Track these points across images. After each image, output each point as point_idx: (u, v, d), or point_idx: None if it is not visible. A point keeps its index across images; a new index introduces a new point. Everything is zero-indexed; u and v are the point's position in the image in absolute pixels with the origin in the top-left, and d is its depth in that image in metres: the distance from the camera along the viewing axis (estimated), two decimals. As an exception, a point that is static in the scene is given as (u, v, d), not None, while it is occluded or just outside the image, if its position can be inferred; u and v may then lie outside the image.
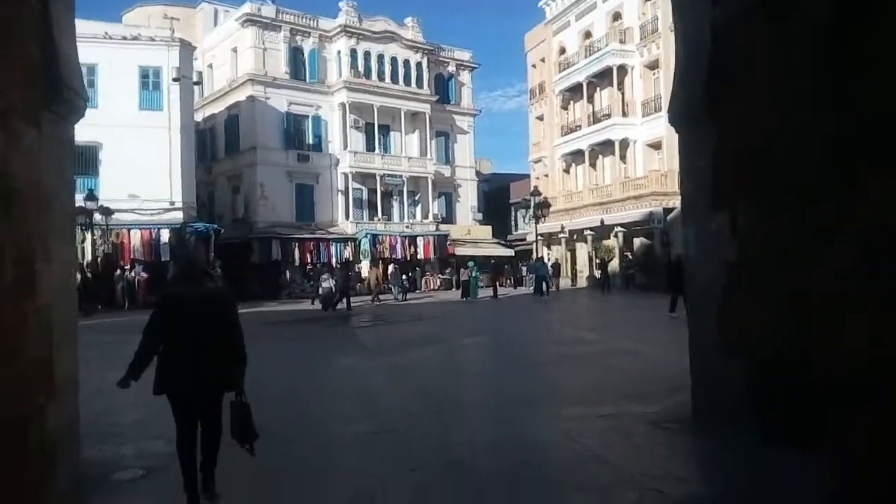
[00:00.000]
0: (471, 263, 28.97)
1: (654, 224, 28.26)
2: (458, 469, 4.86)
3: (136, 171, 25.88)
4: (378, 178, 36.30)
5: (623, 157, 32.39)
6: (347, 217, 35.79)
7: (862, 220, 3.66)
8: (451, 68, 41.89)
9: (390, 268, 31.00)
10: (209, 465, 4.18)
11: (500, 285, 30.95)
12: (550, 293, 27.03)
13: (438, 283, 37.01)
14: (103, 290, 24.55)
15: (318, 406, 7.36)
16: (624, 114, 32.19)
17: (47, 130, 4.26)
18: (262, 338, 14.35)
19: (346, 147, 35.80)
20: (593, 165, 34.80)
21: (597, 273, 31.57)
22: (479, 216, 42.38)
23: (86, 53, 26.74)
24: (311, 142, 35.93)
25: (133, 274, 25.98)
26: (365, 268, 33.23)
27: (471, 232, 40.40)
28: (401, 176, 37.24)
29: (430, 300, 28.10)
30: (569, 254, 36.88)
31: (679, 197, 24.66)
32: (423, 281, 36.48)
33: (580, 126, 35.15)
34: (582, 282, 34.95)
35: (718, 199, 5.48)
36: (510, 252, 41.01)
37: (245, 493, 4.51)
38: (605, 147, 33.11)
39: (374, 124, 36.54)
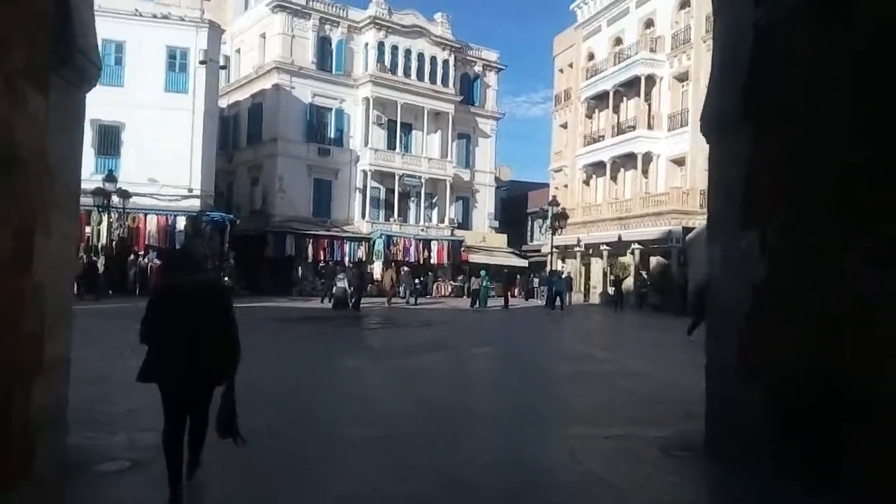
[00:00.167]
0: (483, 272, 28.76)
1: (672, 243, 27.83)
2: (456, 483, 4.63)
3: (156, 154, 25.92)
4: (396, 178, 36.17)
5: (645, 172, 31.98)
6: (363, 216, 35.68)
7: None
8: (478, 68, 41.61)
9: (402, 270, 30.83)
10: (194, 458, 4.15)
11: (512, 296, 30.67)
12: (564, 308, 26.66)
13: (450, 289, 36.78)
14: (116, 274, 24.58)
15: (321, 406, 7.16)
16: (649, 126, 31.76)
17: (56, 97, 4.10)
18: (271, 334, 14.27)
19: (367, 144, 35.71)
20: (614, 178, 34.42)
21: (610, 290, 31.11)
22: (496, 224, 42.07)
23: (115, 30, 26.81)
24: (332, 136, 35.86)
25: (146, 260, 25.98)
26: (377, 268, 33.09)
27: (486, 239, 40.13)
28: (419, 177, 37.08)
29: (441, 306, 27.88)
30: (583, 268, 36.47)
31: (700, 217, 24.20)
32: (435, 286, 36.27)
33: (604, 136, 34.75)
34: (595, 298, 34.52)
35: (749, 215, 5.19)
36: (524, 262, 40.66)
37: (234, 489, 4.39)
38: (628, 160, 32.71)
39: (396, 122, 36.42)
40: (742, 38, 5.38)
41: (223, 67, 32.98)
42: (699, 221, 27.40)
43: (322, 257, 33.27)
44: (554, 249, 32.12)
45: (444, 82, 38.17)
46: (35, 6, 3.77)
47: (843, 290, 3.96)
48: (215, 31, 29.02)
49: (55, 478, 4.31)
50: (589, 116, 36.88)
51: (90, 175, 25.15)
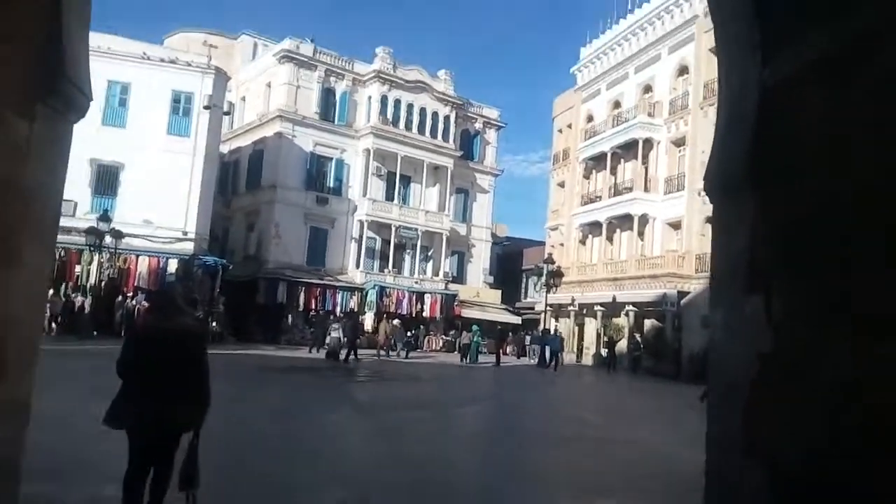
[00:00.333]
0: (475, 327, 28.36)
1: (667, 306, 27.64)
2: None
3: (154, 196, 25.81)
4: (393, 229, 36.16)
5: (641, 234, 32.06)
6: (358, 266, 35.48)
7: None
8: (478, 125, 42.22)
9: (394, 322, 30.41)
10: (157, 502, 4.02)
11: (504, 353, 30.22)
12: (558, 368, 26.19)
13: (441, 343, 36.25)
14: (103, 314, 24.12)
15: (287, 463, 6.76)
16: (646, 188, 32.01)
17: (41, 125, 3.92)
18: (253, 384, 13.84)
19: (365, 194, 35.86)
20: (610, 239, 34.48)
21: (604, 351, 30.75)
22: (490, 279, 41.90)
23: (121, 72, 27.21)
24: (331, 185, 36.04)
25: (134, 302, 25.57)
26: (369, 319, 32.68)
27: (479, 294, 39.87)
28: (416, 229, 37.08)
29: (431, 361, 27.40)
30: (576, 328, 36.13)
31: (695, 281, 24.08)
32: (426, 340, 35.77)
33: (600, 197, 35.00)
34: (587, 359, 34.08)
35: (754, 280, 4.94)
36: (517, 319, 40.28)
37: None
38: (624, 221, 32.83)
39: (395, 174, 36.66)
40: (747, 99, 5.25)
41: (227, 113, 33.34)
42: (694, 285, 27.32)
43: (313, 306, 32.87)
44: (548, 307, 31.84)
45: (445, 137, 38.64)
46: (22, 32, 3.64)
47: (857, 363, 3.70)
48: (221, 77, 29.43)
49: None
50: (586, 177, 37.23)
51: (84, 214, 25.10)
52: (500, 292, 41.21)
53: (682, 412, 12.48)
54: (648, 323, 30.40)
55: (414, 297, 35.92)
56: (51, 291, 23.47)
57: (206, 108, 27.81)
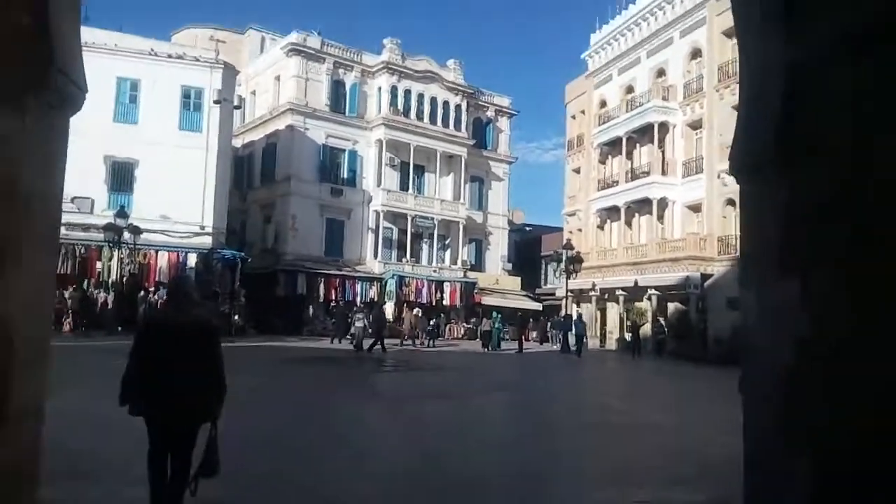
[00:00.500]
0: (495, 314, 28.16)
1: (690, 289, 27.24)
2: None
3: (169, 191, 25.93)
4: (409, 219, 36.02)
5: (660, 218, 31.59)
6: (376, 256, 35.44)
7: None
8: (490, 113, 41.86)
9: (414, 312, 30.33)
10: (176, 497, 4.05)
11: (526, 339, 30.04)
12: (582, 353, 25.90)
13: (462, 331, 36.15)
14: (125, 310, 24.30)
15: (311, 456, 6.65)
16: (663, 172, 31.50)
17: (32, 120, 3.79)
18: (276, 375, 13.81)
19: (379, 184, 35.73)
20: (629, 223, 34.02)
21: (627, 336, 30.42)
22: (509, 266, 41.66)
23: (130, 68, 27.34)
24: (345, 176, 35.96)
25: (156, 297, 25.74)
26: (389, 309, 32.64)
27: (499, 282, 39.67)
28: (432, 218, 36.91)
29: (454, 349, 27.30)
30: (598, 313, 35.80)
31: (717, 263, 23.65)
32: (448, 328, 35.68)
33: (617, 182, 34.49)
34: (611, 344, 33.77)
35: (789, 263, 4.67)
36: (538, 306, 40.06)
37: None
38: (642, 205, 32.36)
39: (409, 164, 36.49)
40: (772, 77, 4.96)
41: (237, 107, 33.34)
42: (718, 268, 26.88)
43: (333, 297, 32.93)
44: (569, 293, 31.54)
45: (457, 126, 38.35)
46: (8, 21, 3.48)
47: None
48: (230, 71, 29.42)
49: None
50: (602, 162, 36.75)
51: (102, 211, 25.29)
52: (519, 279, 40.99)
53: (712, 395, 12.25)
54: (672, 306, 30.01)
55: (433, 286, 35.83)
56: (69, 289, 23.75)
57: (216, 102, 27.83)
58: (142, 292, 25.58)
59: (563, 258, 30.72)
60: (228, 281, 27.80)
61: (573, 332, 26.91)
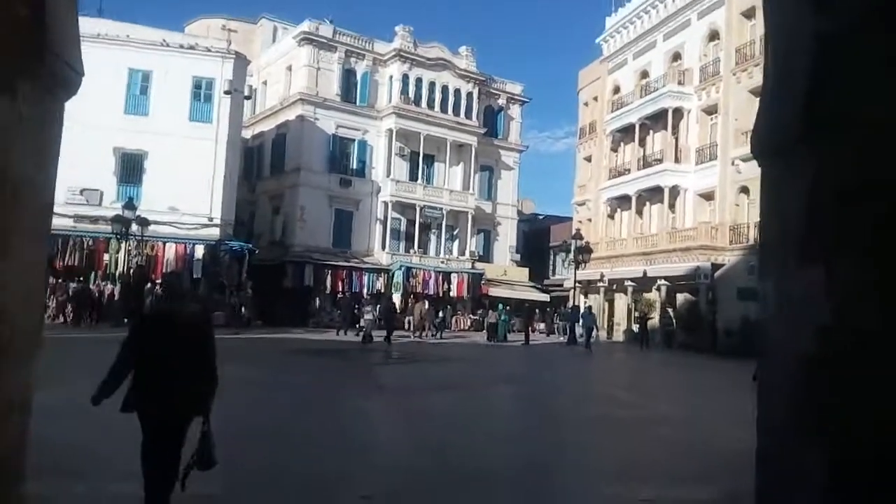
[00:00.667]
0: (500, 306, 27.95)
1: (700, 280, 26.91)
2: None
3: (178, 182, 25.84)
4: (418, 210, 35.82)
5: (672, 206, 31.22)
6: (383, 247, 35.30)
7: None
8: (502, 101, 41.40)
9: (424, 304, 30.19)
10: (166, 491, 4.02)
11: (532, 331, 29.84)
12: (591, 345, 25.50)
13: (469, 323, 36.00)
14: (132, 302, 24.29)
15: (316, 450, 6.51)
16: (676, 160, 31.06)
17: (23, 104, 3.62)
18: (280, 367, 13.69)
19: (389, 175, 35.53)
20: (639, 213, 33.66)
21: (635, 327, 30.12)
22: (517, 257, 41.38)
23: (141, 59, 27.26)
24: (354, 167, 35.77)
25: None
26: (396, 300, 32.51)
27: (507, 273, 39.43)
28: (441, 209, 36.69)
29: (461, 341, 27.17)
30: (607, 304, 35.51)
31: (729, 253, 23.25)
32: (454, 319, 35.53)
33: (629, 170, 34.06)
34: (619, 335, 33.52)
35: (812, 249, 4.43)
36: (545, 297, 39.81)
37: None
38: (654, 194, 31.99)
39: (419, 153, 36.24)
40: (800, 51, 4.68)
41: (248, 98, 33.18)
42: (729, 257, 26.53)
43: (340, 288, 32.84)
44: (577, 284, 31.29)
45: (468, 115, 37.98)
46: (3, 3, 3.30)
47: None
48: (241, 62, 29.20)
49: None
50: (614, 149, 36.33)
51: (111, 203, 25.27)
52: (527, 270, 40.70)
53: (721, 387, 12.04)
54: (681, 297, 29.69)
55: (440, 277, 35.65)
56: (76, 281, 23.77)
57: (226, 93, 27.65)
58: (149, 284, 25.60)
59: (572, 249, 30.46)
60: (235, 273, 27.77)
61: (580, 323, 26.62)
